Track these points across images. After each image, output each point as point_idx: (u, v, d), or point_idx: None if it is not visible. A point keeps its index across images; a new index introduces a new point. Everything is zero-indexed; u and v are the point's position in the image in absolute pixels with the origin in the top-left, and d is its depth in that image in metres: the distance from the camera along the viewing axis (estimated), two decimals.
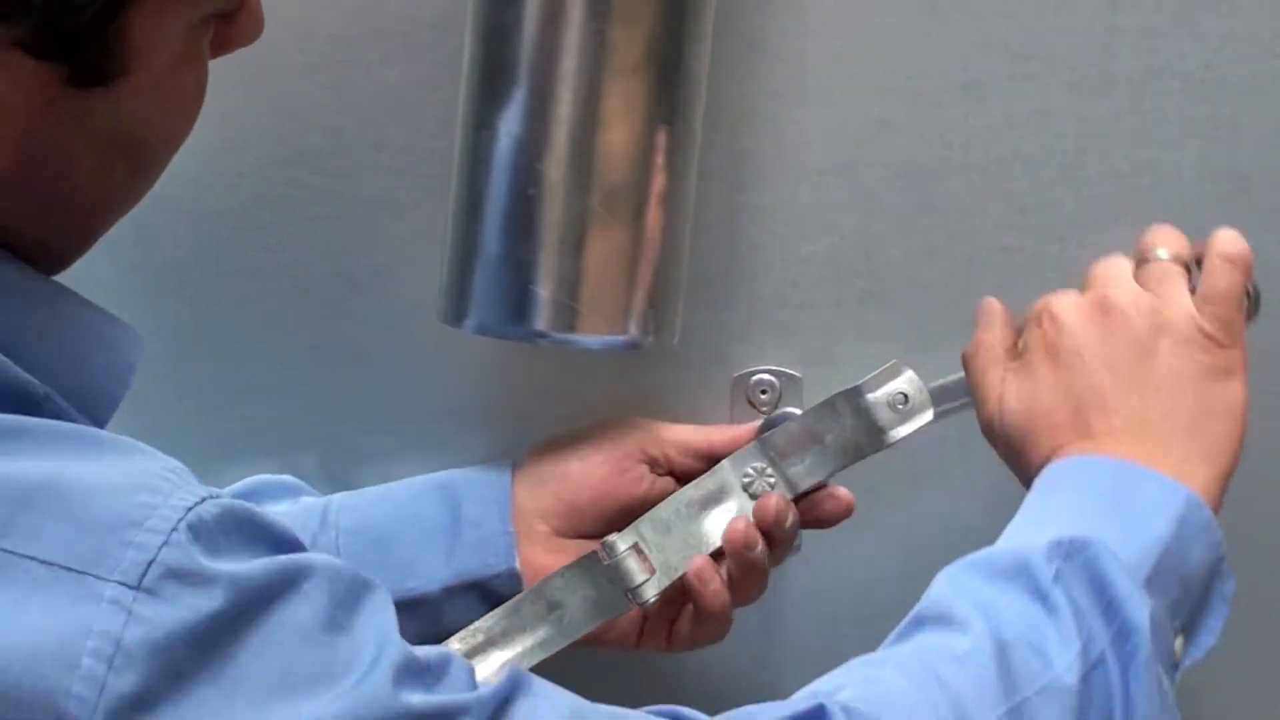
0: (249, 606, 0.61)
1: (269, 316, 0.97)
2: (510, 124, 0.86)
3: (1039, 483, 0.81)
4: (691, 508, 0.91)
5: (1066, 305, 0.83)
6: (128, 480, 0.62)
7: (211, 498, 0.62)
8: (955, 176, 0.93)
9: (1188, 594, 0.78)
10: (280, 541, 0.64)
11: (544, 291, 0.86)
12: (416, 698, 0.63)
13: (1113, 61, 0.92)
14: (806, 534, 0.98)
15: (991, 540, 0.97)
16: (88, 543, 0.60)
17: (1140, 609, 0.74)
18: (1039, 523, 0.78)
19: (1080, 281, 0.84)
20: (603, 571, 0.89)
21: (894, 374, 0.89)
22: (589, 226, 0.86)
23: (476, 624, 0.89)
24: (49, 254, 0.71)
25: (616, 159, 0.86)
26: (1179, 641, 0.77)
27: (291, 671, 0.61)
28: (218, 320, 0.97)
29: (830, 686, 0.75)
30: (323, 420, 0.97)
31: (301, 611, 0.62)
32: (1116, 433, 0.80)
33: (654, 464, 0.93)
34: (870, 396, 0.89)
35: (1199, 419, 0.81)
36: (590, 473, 0.92)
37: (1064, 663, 0.73)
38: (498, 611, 0.89)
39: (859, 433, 0.90)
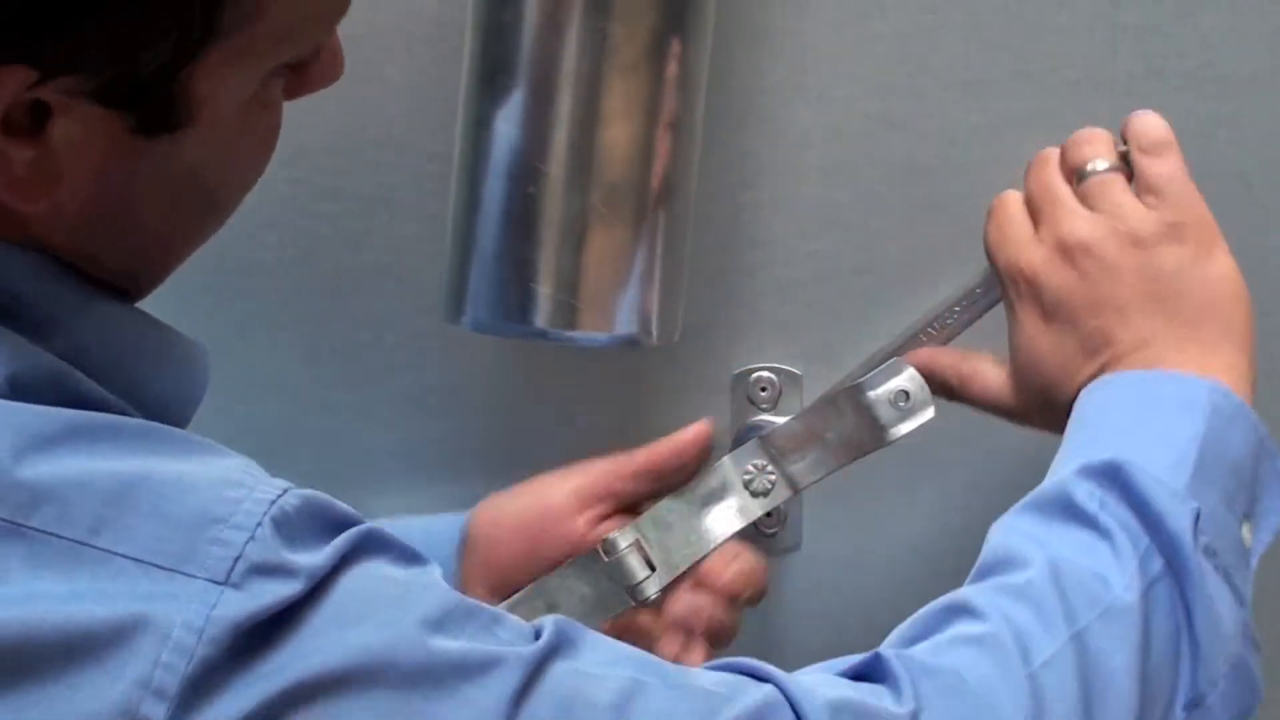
0: (322, 586, 0.63)
1: (269, 314, 0.97)
2: (510, 122, 0.86)
3: (1070, 422, 0.82)
4: (693, 505, 0.91)
5: (1033, 261, 0.83)
6: (213, 476, 0.64)
7: (291, 489, 0.65)
8: (956, 175, 0.93)
9: (1240, 481, 0.78)
10: (350, 525, 0.67)
11: (544, 289, 0.86)
12: (447, 643, 0.64)
13: (1114, 60, 0.92)
14: (806, 533, 0.98)
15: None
16: (177, 540, 0.62)
17: (1181, 518, 0.75)
18: (1076, 455, 0.79)
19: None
20: (602, 569, 0.89)
21: (895, 371, 0.88)
22: (589, 224, 0.86)
23: None
24: (126, 282, 0.72)
25: (617, 157, 0.86)
26: (1246, 528, 0.78)
27: (347, 628, 0.63)
28: (218, 318, 0.97)
29: (894, 637, 0.76)
30: (323, 418, 0.97)
31: (361, 580, 0.65)
32: (1128, 355, 0.81)
33: (589, 508, 0.91)
34: (871, 394, 0.89)
35: (1201, 309, 0.81)
36: (507, 544, 0.91)
37: (1121, 583, 0.73)
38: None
39: (860, 430, 0.89)
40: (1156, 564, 0.74)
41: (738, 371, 0.96)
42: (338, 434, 0.98)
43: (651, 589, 0.89)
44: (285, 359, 0.98)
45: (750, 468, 0.91)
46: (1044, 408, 0.84)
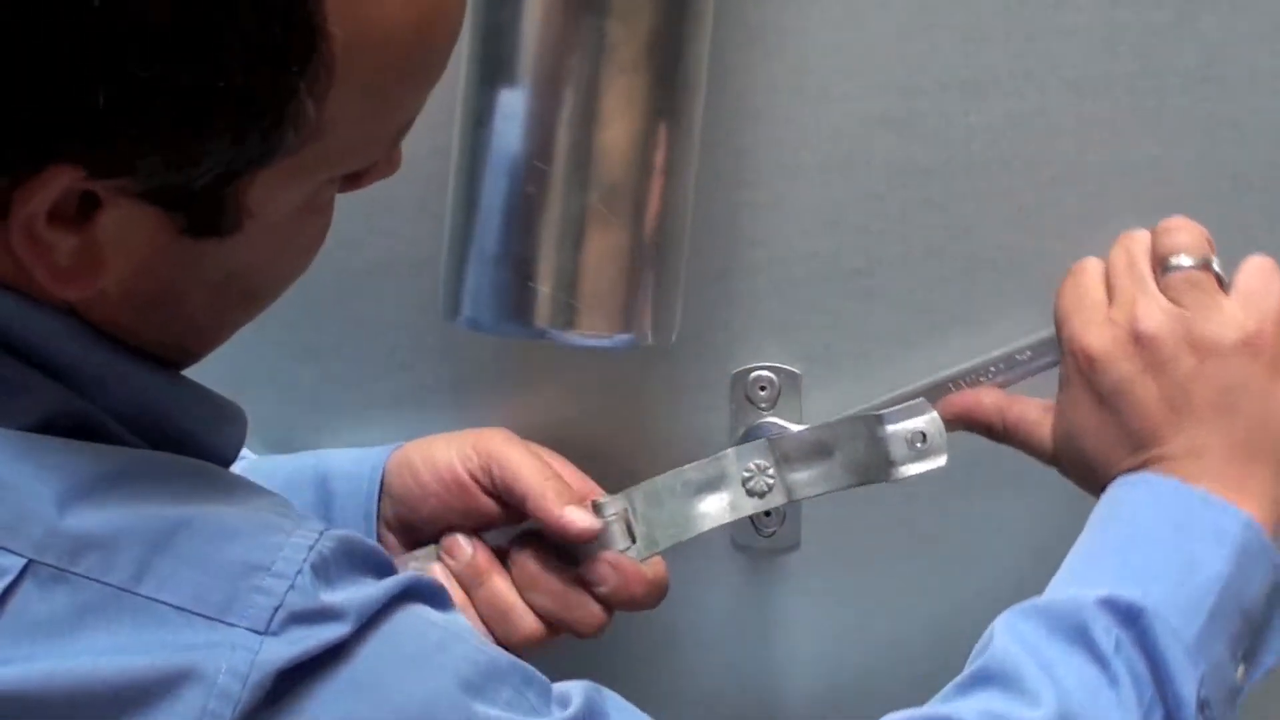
0: (370, 624, 0.65)
1: (268, 313, 0.97)
2: (509, 121, 0.86)
3: (1097, 514, 0.81)
4: (687, 487, 0.90)
5: (1099, 342, 0.82)
6: (253, 521, 0.65)
7: (326, 531, 0.66)
8: (955, 174, 0.93)
9: (1249, 624, 0.78)
10: (381, 565, 0.68)
11: (543, 289, 0.86)
12: (486, 710, 0.65)
13: (1113, 59, 0.92)
14: (806, 533, 0.98)
15: (992, 543, 0.97)
16: (219, 588, 0.63)
17: (1190, 681, 0.74)
18: (1097, 567, 0.78)
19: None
20: None
21: (918, 411, 0.88)
22: (588, 224, 0.86)
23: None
24: (169, 353, 0.72)
25: (616, 156, 0.86)
26: (1241, 669, 0.78)
27: (394, 667, 0.65)
28: None
29: None
30: (323, 417, 0.97)
31: (410, 623, 0.66)
32: (1175, 460, 0.80)
33: (487, 490, 0.90)
34: (890, 428, 0.88)
35: (1255, 431, 0.80)
36: (424, 500, 0.90)
37: None
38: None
39: (869, 459, 0.89)
40: (1157, 717, 0.74)
41: (737, 371, 0.96)
42: (337, 433, 0.98)
43: None
44: (284, 358, 0.98)
45: (753, 466, 0.91)
46: (1081, 474, 0.85)
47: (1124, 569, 0.77)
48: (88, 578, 0.62)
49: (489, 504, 0.90)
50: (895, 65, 0.92)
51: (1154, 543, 0.78)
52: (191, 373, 0.75)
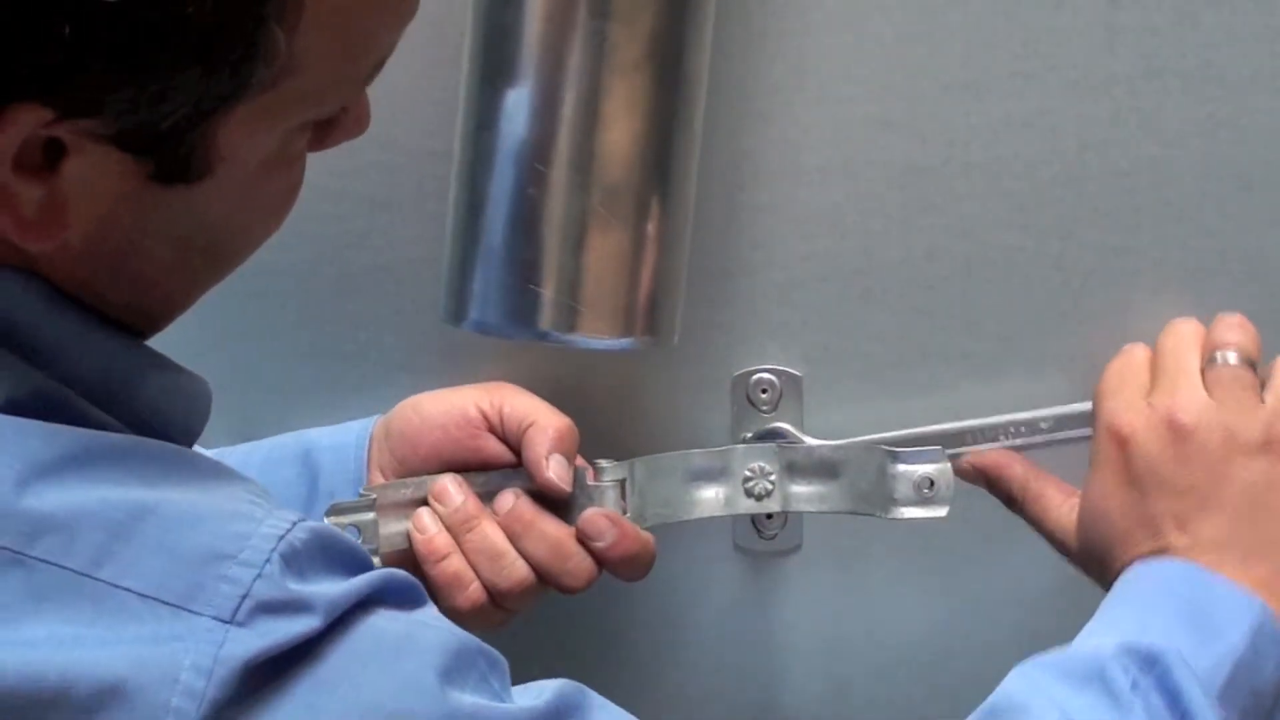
0: (342, 622, 0.63)
1: (270, 316, 0.97)
2: (511, 123, 0.86)
3: (1116, 589, 0.82)
4: (688, 471, 0.91)
5: (1135, 424, 0.83)
6: (221, 508, 0.63)
7: (299, 522, 0.64)
8: (956, 175, 0.93)
9: (1259, 706, 0.78)
10: (356, 562, 0.66)
11: (545, 291, 0.86)
12: (460, 697, 0.64)
13: (1113, 60, 0.92)
14: (807, 533, 0.98)
15: (994, 547, 0.97)
16: (183, 577, 0.61)
17: None
18: (1114, 629, 0.79)
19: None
20: (582, 488, 0.88)
21: (932, 458, 0.89)
22: (590, 226, 0.86)
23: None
24: (132, 317, 0.71)
25: (617, 158, 0.86)
26: None
27: (365, 663, 0.63)
28: (218, 319, 0.97)
29: None
30: (324, 419, 0.96)
31: (380, 622, 0.64)
32: (1195, 549, 0.81)
33: (494, 430, 0.90)
34: (901, 467, 0.89)
35: (1277, 529, 0.81)
36: (426, 433, 0.89)
37: None
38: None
39: (873, 491, 0.90)
40: None
41: (738, 373, 0.96)
42: None
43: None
44: (286, 359, 0.98)
45: (756, 467, 0.91)
46: (1097, 557, 0.85)
47: (1143, 628, 0.78)
48: (45, 561, 0.60)
49: (493, 444, 0.89)
50: (896, 67, 0.92)
51: (1172, 613, 0.79)
52: (188, 361, 0.74)
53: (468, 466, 0.89)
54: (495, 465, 0.89)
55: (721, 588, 0.99)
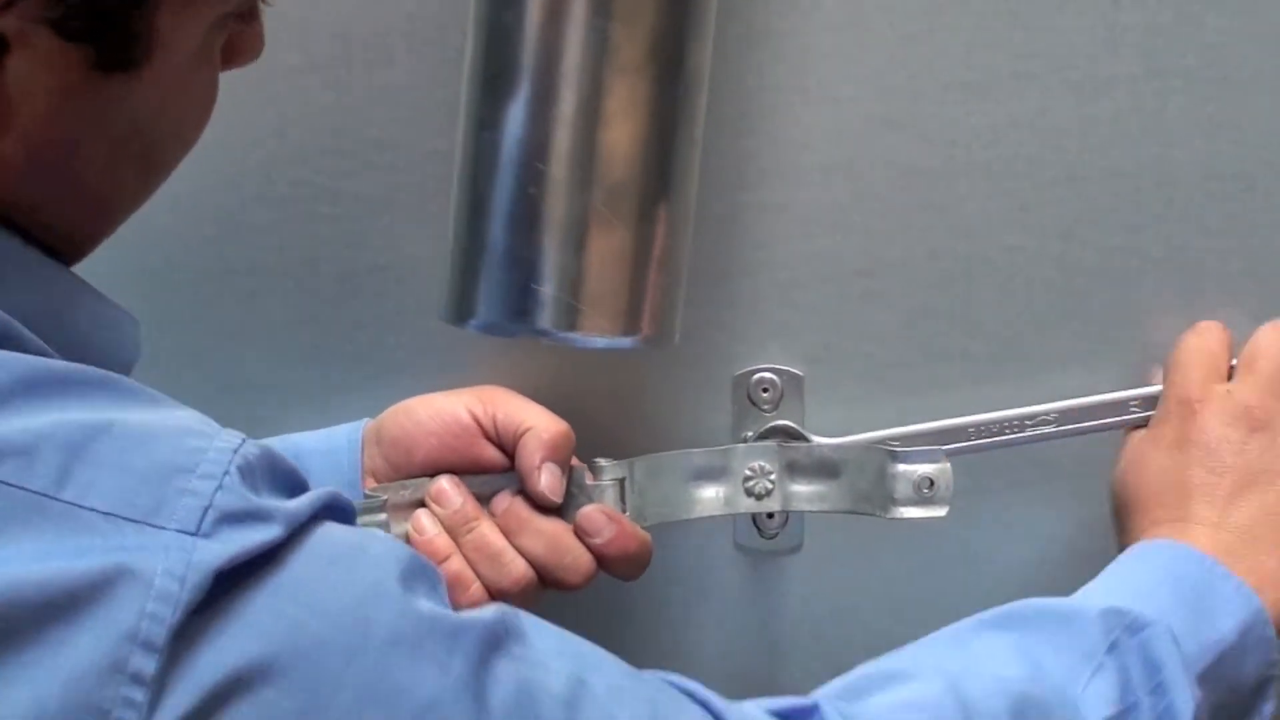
0: (298, 533, 0.64)
1: (271, 316, 0.97)
2: (512, 123, 0.85)
3: (1129, 552, 0.84)
4: (688, 471, 0.91)
5: (1208, 400, 0.86)
6: (174, 426, 0.64)
7: (248, 439, 0.65)
8: (957, 175, 0.93)
9: (1234, 699, 0.80)
10: (298, 483, 0.68)
11: (546, 290, 0.86)
12: (419, 602, 0.65)
13: (1115, 60, 0.92)
14: (808, 532, 0.98)
15: (996, 547, 0.97)
16: (145, 492, 0.62)
17: (1188, 701, 0.76)
18: (1110, 595, 0.80)
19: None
20: (581, 487, 0.89)
21: (932, 458, 0.89)
22: (591, 225, 0.86)
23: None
24: (61, 242, 0.72)
25: (618, 158, 0.86)
26: None
27: (323, 564, 0.64)
28: (219, 320, 0.97)
29: (831, 690, 0.76)
30: (325, 420, 0.96)
31: (335, 532, 0.66)
32: (1217, 528, 0.83)
33: (488, 437, 0.90)
34: (901, 467, 0.89)
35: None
36: (422, 440, 0.89)
37: (1096, 716, 0.75)
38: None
39: (872, 491, 0.90)
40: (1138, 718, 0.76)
41: (739, 373, 0.96)
42: None
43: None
44: (286, 360, 0.98)
45: (756, 466, 0.91)
46: (1121, 511, 0.88)
47: (1139, 596, 0.80)
48: (7, 484, 0.61)
49: (488, 450, 0.89)
50: (897, 67, 0.92)
51: (1171, 589, 0.80)
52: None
53: (463, 472, 0.89)
54: (491, 470, 0.89)
55: (722, 587, 0.99)
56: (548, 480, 0.86)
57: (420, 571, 0.67)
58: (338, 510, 0.67)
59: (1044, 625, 0.78)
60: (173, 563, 0.60)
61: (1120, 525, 0.88)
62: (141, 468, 0.62)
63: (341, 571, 0.64)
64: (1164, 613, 0.78)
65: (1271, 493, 0.84)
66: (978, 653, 0.77)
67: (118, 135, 0.70)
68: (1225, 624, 0.79)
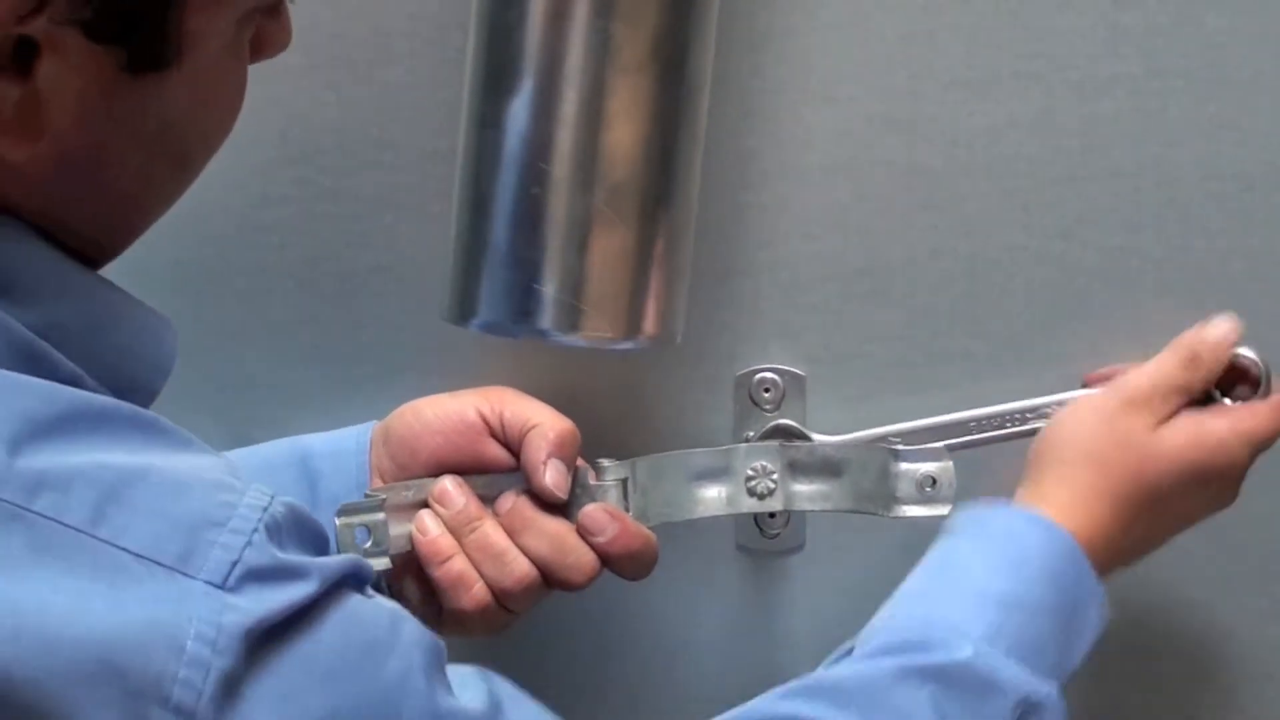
0: (324, 594, 0.64)
1: (273, 315, 0.97)
2: (514, 122, 0.85)
3: (1023, 522, 0.84)
4: (690, 471, 0.91)
5: (1172, 383, 0.87)
6: (205, 477, 0.65)
7: (277, 496, 0.65)
8: (959, 175, 0.93)
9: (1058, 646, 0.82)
10: (323, 541, 0.68)
11: (548, 290, 0.86)
12: (447, 701, 0.66)
13: (1116, 60, 0.92)
14: (810, 531, 0.98)
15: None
16: (177, 540, 0.62)
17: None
18: (1006, 594, 0.81)
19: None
20: (584, 488, 0.88)
21: (935, 456, 0.89)
22: (593, 225, 0.86)
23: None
24: (91, 247, 0.72)
25: (621, 158, 0.86)
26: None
27: (351, 645, 0.65)
28: (221, 319, 0.97)
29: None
30: (326, 419, 0.96)
31: (354, 599, 0.66)
32: (1085, 503, 0.84)
33: (495, 435, 0.90)
34: (903, 465, 0.89)
35: (1159, 531, 0.87)
36: (427, 439, 0.89)
37: None
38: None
39: (875, 490, 0.90)
40: None
41: (741, 373, 0.96)
42: None
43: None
44: (287, 359, 0.98)
45: (758, 466, 0.91)
46: (1033, 454, 0.88)
47: (1024, 611, 0.81)
48: (45, 517, 0.61)
49: (494, 449, 0.89)
50: (899, 67, 0.92)
51: (1053, 610, 0.82)
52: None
53: (468, 471, 0.89)
54: (496, 469, 0.89)
55: (724, 587, 0.99)
56: (553, 476, 0.86)
57: (438, 658, 0.68)
58: (362, 577, 0.68)
59: (964, 690, 0.78)
60: (204, 625, 0.61)
61: (1032, 464, 0.88)
62: (175, 516, 0.63)
63: (375, 661, 0.65)
64: (1043, 640, 0.80)
65: (1174, 493, 0.85)
66: (899, 707, 0.77)
67: (149, 136, 0.70)
68: (1080, 648, 0.82)
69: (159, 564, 0.61)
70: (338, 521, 0.83)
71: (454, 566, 0.85)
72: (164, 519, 0.62)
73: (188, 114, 0.71)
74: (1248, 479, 0.87)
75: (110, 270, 0.76)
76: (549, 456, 0.87)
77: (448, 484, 0.87)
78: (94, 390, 0.67)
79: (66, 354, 0.67)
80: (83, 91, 0.66)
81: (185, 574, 0.61)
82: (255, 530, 0.63)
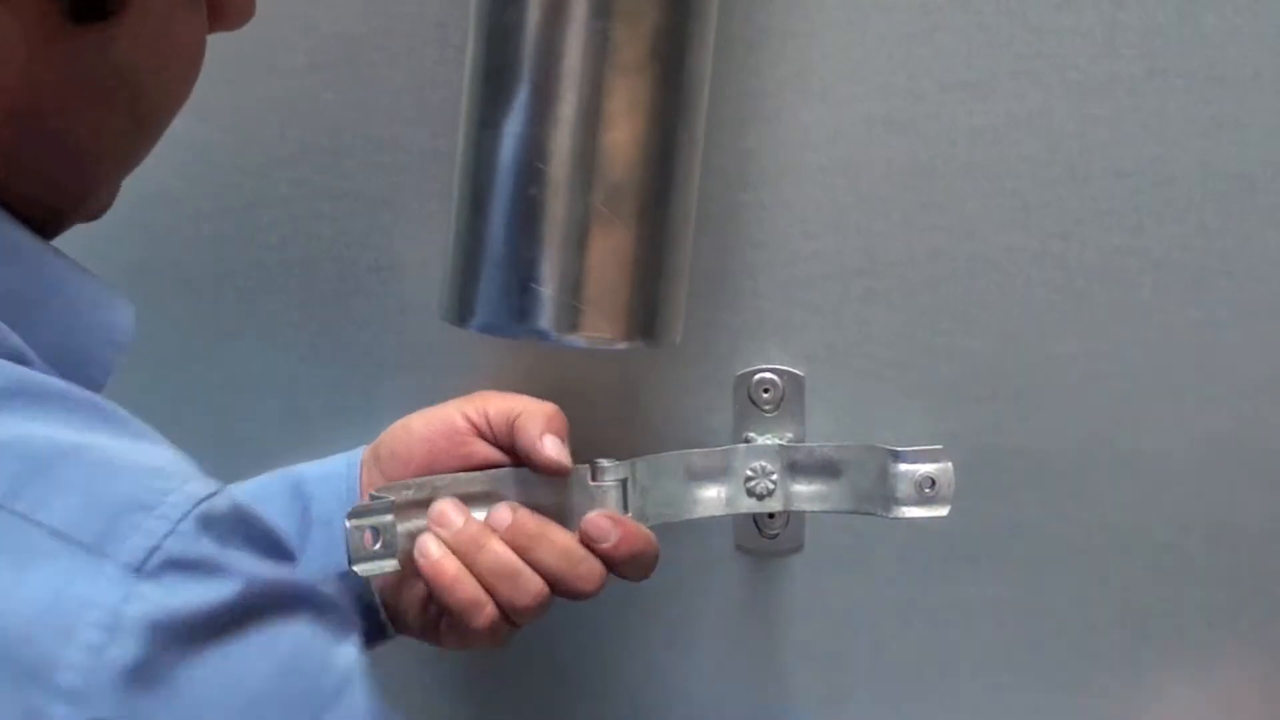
0: (258, 605, 0.61)
1: (271, 315, 0.97)
2: (513, 123, 0.85)
3: None
4: (689, 471, 0.91)
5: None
6: (146, 462, 0.62)
7: (223, 491, 0.62)
8: (958, 175, 0.93)
9: None
10: (280, 550, 0.65)
11: (547, 290, 0.86)
12: None
13: (1115, 60, 0.92)
14: (809, 532, 0.98)
15: (996, 547, 0.97)
16: (97, 519, 0.60)
17: None
18: None
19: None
20: (581, 487, 0.88)
21: (935, 457, 0.88)
22: (592, 225, 0.86)
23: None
24: (41, 211, 0.70)
25: (619, 158, 0.86)
26: None
27: (285, 680, 0.61)
28: (220, 318, 0.97)
29: None
30: (325, 419, 0.96)
31: (303, 631, 0.63)
32: None
33: (483, 435, 0.90)
34: (903, 466, 0.88)
35: None
36: (415, 448, 0.89)
37: None
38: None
39: (874, 491, 0.89)
40: None
41: (740, 373, 0.96)
42: (339, 434, 0.98)
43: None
44: (286, 359, 0.98)
45: (757, 466, 0.91)
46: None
47: None
48: None
49: (482, 448, 0.89)
50: (898, 66, 0.92)
51: None
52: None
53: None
54: (487, 469, 0.89)
55: (723, 588, 0.99)
56: (552, 448, 0.87)
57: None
58: (323, 606, 0.64)
59: None
60: (103, 612, 0.58)
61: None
62: (101, 495, 0.60)
63: (308, 713, 0.61)
64: None
65: None
66: None
67: (99, 89, 0.68)
68: None
69: (77, 542, 0.59)
70: (348, 524, 0.83)
71: (465, 592, 0.84)
72: (89, 497, 0.60)
73: (139, 66, 0.69)
74: (1248, 479, 0.87)
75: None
76: (542, 433, 0.87)
77: (445, 506, 0.86)
78: (42, 371, 0.65)
79: (12, 325, 0.65)
80: (27, 39, 0.65)
81: (99, 554, 0.59)
82: (184, 519, 0.60)
